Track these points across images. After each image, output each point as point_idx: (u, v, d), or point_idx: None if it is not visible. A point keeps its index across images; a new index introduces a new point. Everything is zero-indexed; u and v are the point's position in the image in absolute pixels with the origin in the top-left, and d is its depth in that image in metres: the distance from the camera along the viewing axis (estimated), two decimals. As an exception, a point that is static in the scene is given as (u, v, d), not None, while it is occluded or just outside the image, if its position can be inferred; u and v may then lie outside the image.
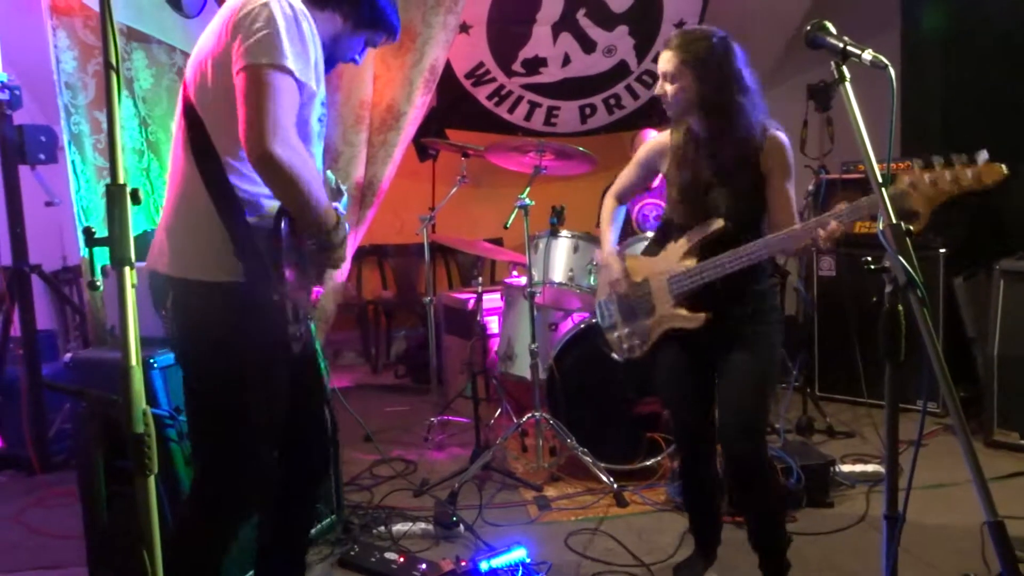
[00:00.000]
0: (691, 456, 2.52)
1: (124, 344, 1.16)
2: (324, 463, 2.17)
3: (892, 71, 1.54)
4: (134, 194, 1.20)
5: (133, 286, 1.18)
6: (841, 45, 1.63)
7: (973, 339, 3.94)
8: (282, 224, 1.75)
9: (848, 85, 1.59)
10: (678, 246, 2.37)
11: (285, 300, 1.75)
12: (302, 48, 1.72)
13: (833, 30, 1.68)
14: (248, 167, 1.70)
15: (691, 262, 2.32)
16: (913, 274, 1.41)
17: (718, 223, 2.29)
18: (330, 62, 2.01)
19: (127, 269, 1.17)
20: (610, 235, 2.63)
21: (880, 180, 1.52)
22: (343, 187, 2.09)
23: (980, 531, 2.43)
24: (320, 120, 1.89)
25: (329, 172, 2.10)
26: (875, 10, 4.76)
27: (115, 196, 1.20)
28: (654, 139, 2.53)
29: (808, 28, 1.71)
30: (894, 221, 1.46)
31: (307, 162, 1.71)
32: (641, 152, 2.56)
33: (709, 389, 2.39)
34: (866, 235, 3.85)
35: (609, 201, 2.68)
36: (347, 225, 2.05)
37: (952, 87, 4.46)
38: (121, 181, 1.21)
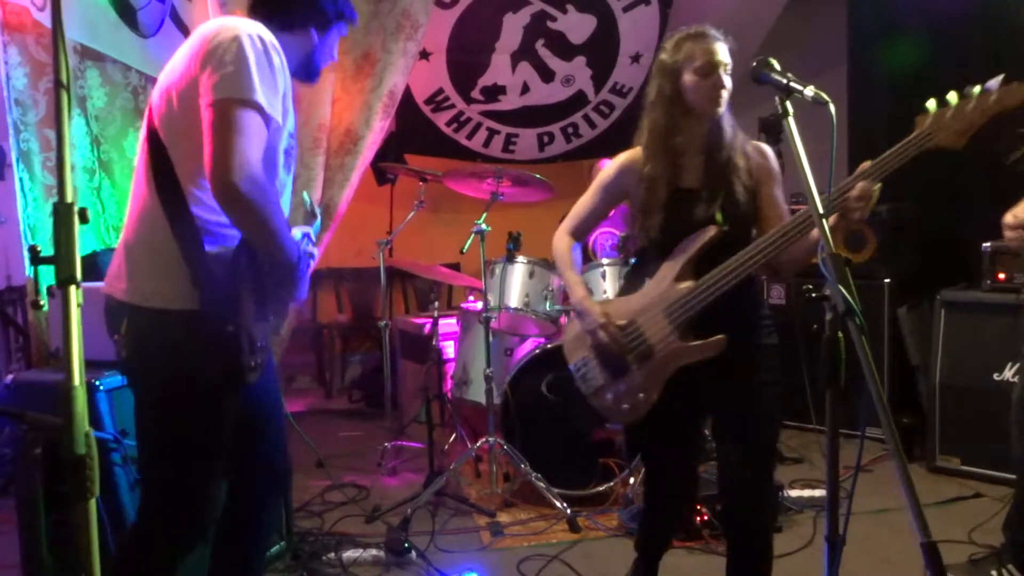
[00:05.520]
0: (666, 504, 2.37)
1: (67, 363, 1.15)
2: (276, 493, 2.13)
3: (833, 108, 1.60)
4: (82, 213, 1.19)
5: (79, 306, 1.17)
6: (785, 81, 1.69)
7: (917, 367, 4.04)
8: (242, 256, 1.74)
9: (791, 120, 1.65)
10: (664, 271, 2.08)
11: (240, 331, 1.73)
12: (272, 82, 1.72)
13: (778, 67, 1.74)
14: (210, 197, 1.70)
15: (689, 283, 2.05)
16: (851, 301, 1.45)
17: (712, 230, 2.03)
18: (313, 75, 2.03)
19: (73, 288, 1.16)
20: (575, 277, 2.25)
21: (821, 212, 1.57)
22: (318, 210, 2.09)
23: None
24: (287, 152, 1.89)
25: (305, 194, 2.10)
26: (823, 48, 4.91)
27: (62, 215, 1.19)
28: (622, 159, 2.23)
29: (754, 64, 1.77)
30: (834, 250, 1.51)
31: (269, 197, 1.71)
32: (608, 173, 2.24)
33: (698, 437, 2.27)
34: (815, 264, 3.94)
35: (564, 240, 2.29)
36: (316, 251, 2.05)
37: (898, 125, 4.58)
38: (69, 200, 1.20)
